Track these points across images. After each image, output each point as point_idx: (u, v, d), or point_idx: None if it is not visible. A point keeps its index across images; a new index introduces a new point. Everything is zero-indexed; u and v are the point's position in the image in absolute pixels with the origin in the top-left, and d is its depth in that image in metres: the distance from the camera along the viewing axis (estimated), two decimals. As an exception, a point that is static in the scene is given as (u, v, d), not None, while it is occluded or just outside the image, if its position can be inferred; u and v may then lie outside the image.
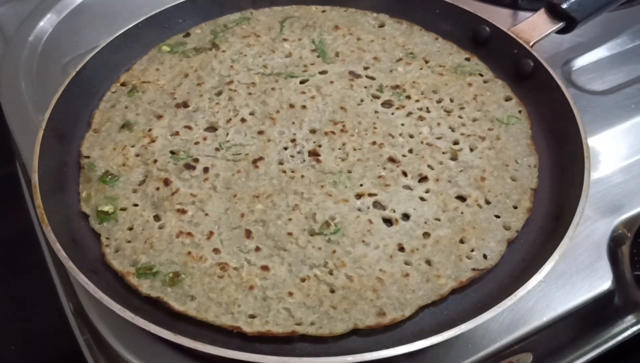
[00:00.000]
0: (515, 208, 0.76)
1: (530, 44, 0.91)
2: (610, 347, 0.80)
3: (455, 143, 0.82)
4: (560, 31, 0.94)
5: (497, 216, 0.75)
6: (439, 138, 0.83)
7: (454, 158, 0.81)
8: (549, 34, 0.93)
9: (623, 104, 0.95)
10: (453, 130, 0.84)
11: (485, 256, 0.71)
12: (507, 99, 0.88)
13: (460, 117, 0.86)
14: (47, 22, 1.08)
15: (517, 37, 0.91)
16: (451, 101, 0.87)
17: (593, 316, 0.79)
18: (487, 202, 0.76)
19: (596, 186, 0.86)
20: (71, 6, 1.12)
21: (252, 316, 0.66)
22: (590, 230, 0.81)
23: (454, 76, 0.91)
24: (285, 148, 0.82)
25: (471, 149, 0.82)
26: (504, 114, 0.86)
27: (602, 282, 0.77)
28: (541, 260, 0.67)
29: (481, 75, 0.91)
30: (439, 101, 0.88)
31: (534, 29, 0.92)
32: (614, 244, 0.80)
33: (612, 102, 0.96)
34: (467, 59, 0.94)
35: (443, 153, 0.81)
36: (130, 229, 0.74)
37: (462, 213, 0.75)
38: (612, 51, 1.06)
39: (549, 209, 0.76)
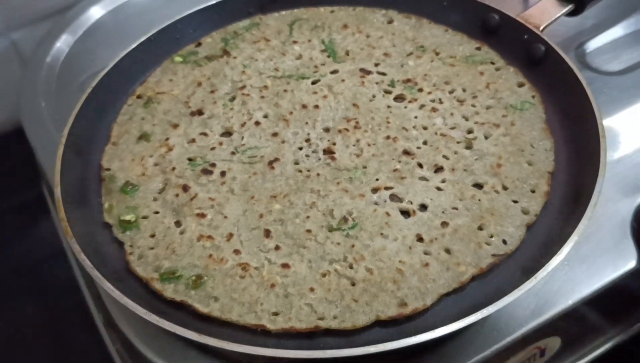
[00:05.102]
0: (533, 192, 0.75)
1: (540, 28, 0.90)
2: (640, 327, 0.79)
3: (470, 131, 0.82)
4: (570, 14, 0.94)
5: (515, 201, 0.74)
6: (452, 128, 0.83)
7: (468, 146, 0.81)
8: (559, 17, 0.93)
9: (641, 82, 0.94)
10: (467, 119, 0.84)
11: (504, 242, 0.71)
12: (520, 85, 0.88)
13: (473, 106, 0.85)
14: (63, 43, 1.11)
15: (527, 22, 0.91)
16: (464, 90, 0.87)
17: (620, 297, 0.78)
18: (505, 188, 0.76)
19: (617, 166, 0.85)
20: (85, 26, 1.14)
21: (275, 314, 0.66)
22: (613, 210, 0.80)
23: (465, 66, 0.91)
24: (300, 148, 0.82)
25: (486, 137, 0.81)
26: (518, 100, 0.85)
27: (627, 262, 0.76)
28: (561, 242, 0.66)
29: (492, 63, 0.91)
30: (451, 92, 0.87)
31: (543, 13, 0.92)
32: (638, 223, 0.79)
33: (629, 82, 0.96)
34: (478, 49, 0.94)
35: (458, 142, 0.81)
36: (152, 236, 0.74)
37: (479, 200, 0.75)
38: (627, 30, 1.05)
39: (567, 192, 0.75)
